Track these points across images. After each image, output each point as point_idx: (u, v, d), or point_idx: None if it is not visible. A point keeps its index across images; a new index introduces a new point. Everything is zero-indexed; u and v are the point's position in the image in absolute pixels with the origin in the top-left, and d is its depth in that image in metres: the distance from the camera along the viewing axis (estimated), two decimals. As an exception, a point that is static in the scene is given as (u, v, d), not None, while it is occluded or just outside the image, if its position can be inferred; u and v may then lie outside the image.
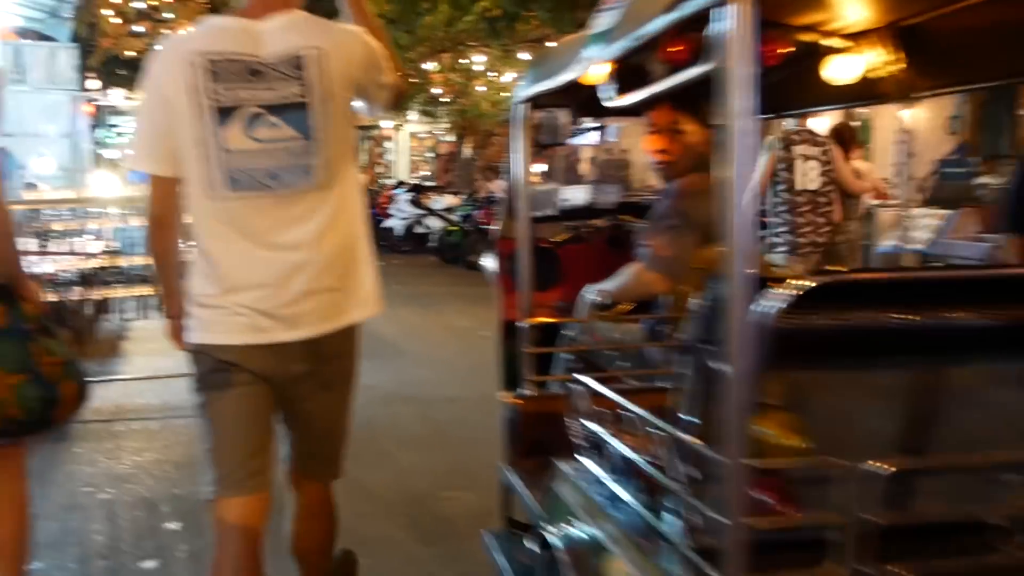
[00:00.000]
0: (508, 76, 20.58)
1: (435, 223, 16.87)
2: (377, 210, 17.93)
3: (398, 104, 2.55)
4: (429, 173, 29.97)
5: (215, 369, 2.39)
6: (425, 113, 25.27)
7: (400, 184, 20.25)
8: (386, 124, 28.53)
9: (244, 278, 2.35)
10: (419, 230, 17.02)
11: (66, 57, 18.13)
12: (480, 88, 21.65)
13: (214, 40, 2.30)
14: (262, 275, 2.35)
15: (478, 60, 20.46)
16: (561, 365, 3.08)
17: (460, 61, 20.88)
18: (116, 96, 26.84)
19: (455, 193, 18.39)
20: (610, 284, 2.99)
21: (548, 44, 19.44)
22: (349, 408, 2.62)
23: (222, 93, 2.26)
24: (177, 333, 2.49)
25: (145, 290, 7.18)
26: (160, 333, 2.67)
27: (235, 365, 2.37)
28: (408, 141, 33.42)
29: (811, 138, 6.43)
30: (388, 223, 17.44)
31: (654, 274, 2.86)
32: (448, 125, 27.30)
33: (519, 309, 2.98)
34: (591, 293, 3.01)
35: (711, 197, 1.45)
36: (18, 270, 2.55)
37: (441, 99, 23.92)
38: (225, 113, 2.27)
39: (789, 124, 6.63)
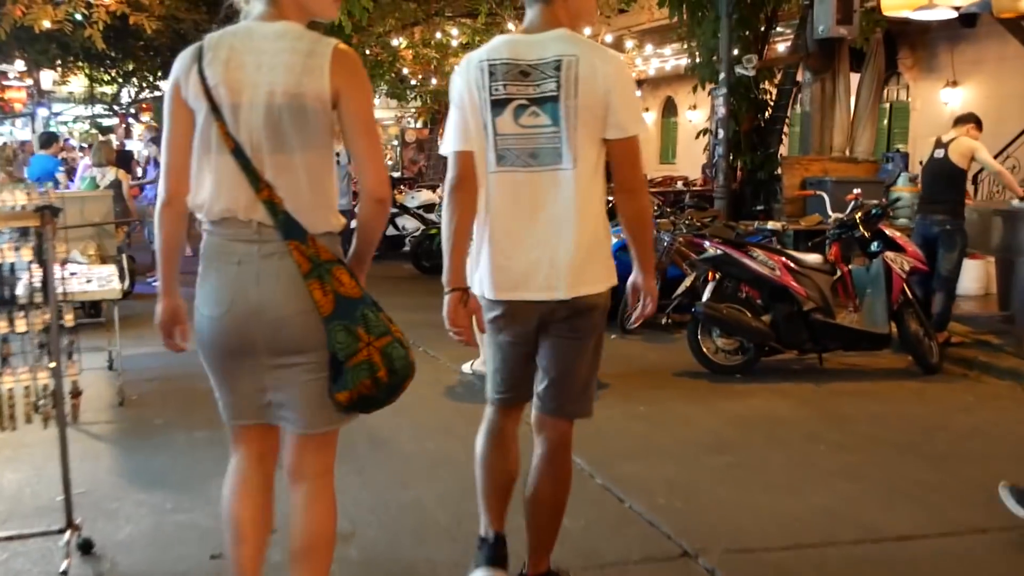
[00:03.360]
0: (492, 51, 17.97)
1: (410, 223, 14.01)
2: (339, 208, 15.07)
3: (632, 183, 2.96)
4: (392, 163, 27.13)
5: (491, 317, 3.00)
6: (392, 96, 22.57)
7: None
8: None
9: (507, 241, 2.91)
10: (390, 232, 13.97)
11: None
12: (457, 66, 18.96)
13: (496, 50, 2.88)
14: (520, 240, 2.90)
15: (454, 34, 17.80)
16: None
17: (434, 35, 18.25)
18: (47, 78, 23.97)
19: (433, 187, 15.34)
20: None
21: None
22: (591, 356, 3.01)
23: (498, 89, 2.84)
24: (455, 310, 2.92)
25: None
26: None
27: (507, 314, 2.97)
28: (372, 128, 30.68)
29: None
30: (351, 224, 14.47)
31: None
32: (417, 109, 24.65)
33: None
34: None
35: None
36: (371, 254, 2.65)
37: (410, 79, 21.32)
38: (499, 104, 2.85)
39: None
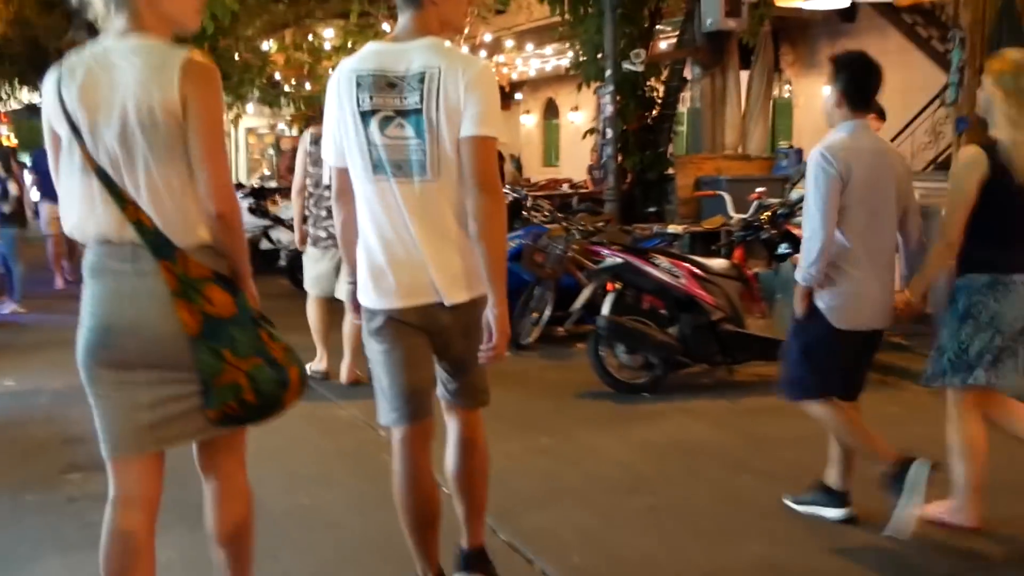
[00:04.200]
0: (366, 53, 17.17)
1: (285, 236, 13.01)
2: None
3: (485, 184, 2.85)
4: (268, 173, 26.04)
5: (375, 326, 2.98)
6: (265, 103, 21.54)
7: (237, 187, 14.13)
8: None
9: (383, 250, 2.91)
10: (265, 246, 13.00)
11: None
12: (332, 70, 18.09)
13: (365, 60, 2.91)
14: (395, 248, 2.90)
15: (328, 36, 16.97)
16: None
17: (305, 38, 17.39)
18: None
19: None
20: None
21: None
22: (475, 355, 2.96)
23: (365, 101, 2.87)
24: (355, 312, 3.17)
25: None
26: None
27: (391, 320, 2.95)
28: (245, 138, 29.46)
29: None
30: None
31: None
32: (291, 116, 23.64)
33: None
34: None
35: None
36: (246, 265, 2.60)
37: (283, 85, 20.33)
38: (367, 116, 2.87)
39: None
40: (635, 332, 6.10)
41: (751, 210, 6.88)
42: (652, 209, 10.72)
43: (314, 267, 6.50)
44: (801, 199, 8.20)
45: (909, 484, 3.57)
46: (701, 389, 6.34)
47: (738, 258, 6.72)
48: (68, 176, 2.49)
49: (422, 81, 2.80)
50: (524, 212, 8.30)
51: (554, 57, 18.29)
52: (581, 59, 11.61)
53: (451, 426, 3.15)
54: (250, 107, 22.07)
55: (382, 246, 2.90)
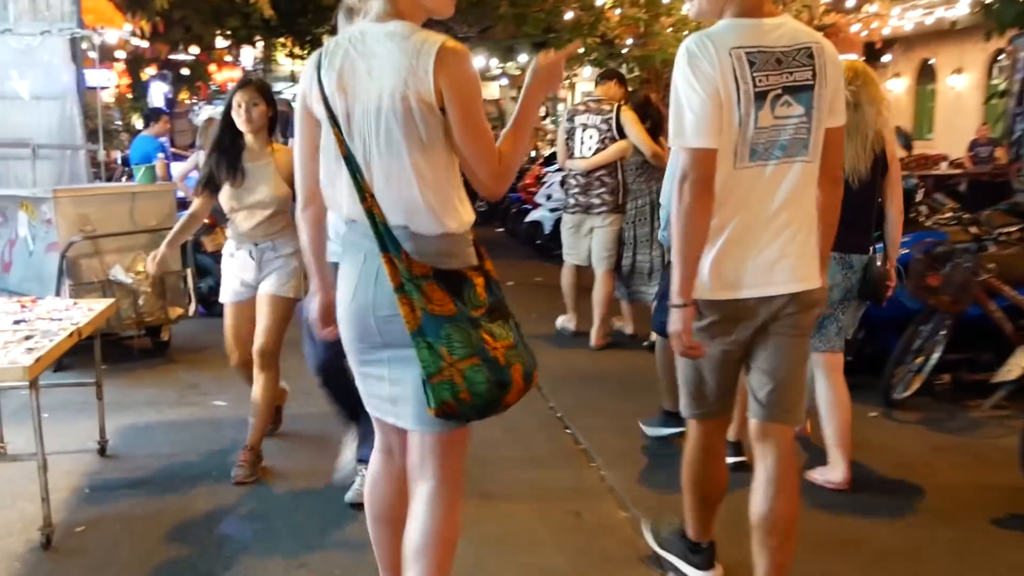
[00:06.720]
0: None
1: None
2: (522, 195, 12.44)
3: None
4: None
5: (707, 323, 2.81)
6: (596, 64, 19.99)
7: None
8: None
9: (746, 237, 2.75)
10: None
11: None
12: (669, 28, 16.04)
13: (742, 36, 2.72)
14: (759, 235, 2.75)
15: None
16: None
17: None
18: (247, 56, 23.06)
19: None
20: None
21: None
22: (806, 361, 3.00)
23: (760, 79, 2.70)
24: (687, 327, 2.74)
25: None
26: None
27: (724, 319, 2.81)
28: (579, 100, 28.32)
29: (595, 107, 6.76)
30: (535, 215, 11.72)
31: None
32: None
33: None
34: None
35: None
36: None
37: (618, 45, 18.62)
38: (761, 96, 2.70)
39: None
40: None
41: None
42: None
43: (571, 238, 6.98)
44: None
45: None
46: None
47: None
48: (326, 160, 2.51)
49: (811, 56, 2.73)
50: (913, 209, 5.80)
51: (942, 6, 15.06)
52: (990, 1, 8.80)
53: (764, 458, 2.92)
54: (588, 70, 20.59)
55: (744, 234, 2.75)
